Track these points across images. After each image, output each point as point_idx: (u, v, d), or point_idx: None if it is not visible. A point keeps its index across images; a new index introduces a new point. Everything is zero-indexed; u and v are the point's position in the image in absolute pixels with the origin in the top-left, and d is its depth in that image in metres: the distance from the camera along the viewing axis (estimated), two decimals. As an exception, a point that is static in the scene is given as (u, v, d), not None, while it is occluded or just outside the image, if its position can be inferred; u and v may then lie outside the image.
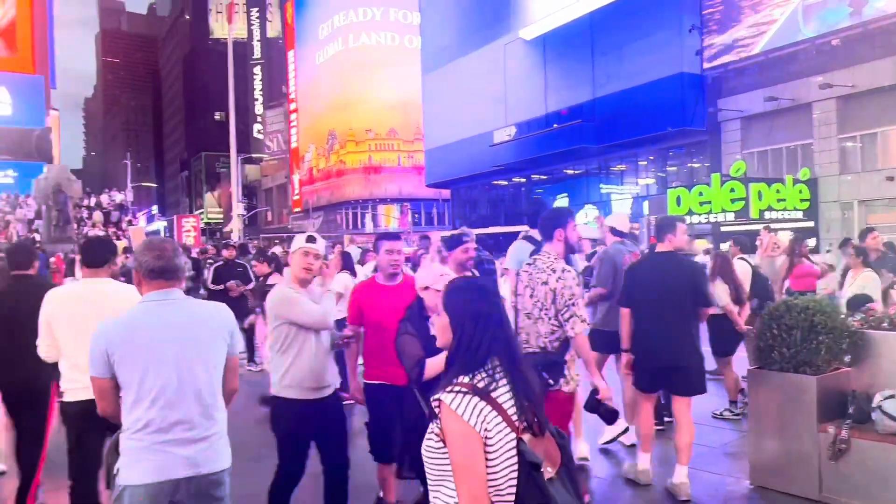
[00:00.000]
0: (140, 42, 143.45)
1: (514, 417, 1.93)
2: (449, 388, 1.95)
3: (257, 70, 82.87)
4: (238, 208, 37.68)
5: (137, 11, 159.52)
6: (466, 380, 1.95)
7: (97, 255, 3.63)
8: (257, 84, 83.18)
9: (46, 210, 22.80)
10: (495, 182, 36.84)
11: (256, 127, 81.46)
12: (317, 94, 57.50)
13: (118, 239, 24.60)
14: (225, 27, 58.51)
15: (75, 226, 24.37)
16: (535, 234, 5.10)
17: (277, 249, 16.42)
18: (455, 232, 5.09)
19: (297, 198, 61.40)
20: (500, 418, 1.90)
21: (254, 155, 73.20)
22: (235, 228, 32.52)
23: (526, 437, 1.94)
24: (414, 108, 44.03)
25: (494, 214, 35.85)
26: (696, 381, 4.65)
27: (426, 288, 3.51)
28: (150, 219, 44.11)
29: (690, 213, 19.17)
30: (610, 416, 3.93)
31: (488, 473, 1.88)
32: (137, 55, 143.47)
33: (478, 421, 1.88)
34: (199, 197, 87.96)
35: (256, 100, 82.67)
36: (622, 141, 26.00)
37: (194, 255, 16.00)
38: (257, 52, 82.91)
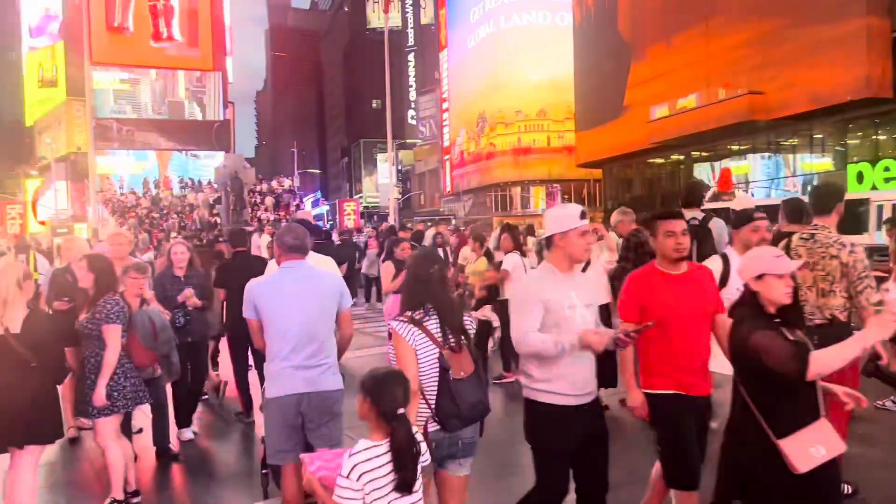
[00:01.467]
0: (304, 36, 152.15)
1: (439, 338, 2.99)
2: (397, 318, 3.06)
3: (411, 57, 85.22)
4: (393, 192, 39.09)
5: (301, 7, 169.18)
6: (409, 314, 3.04)
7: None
8: (411, 71, 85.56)
9: (225, 195, 24.94)
10: (651, 161, 35.37)
11: (410, 113, 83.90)
12: (468, 78, 58.09)
13: (282, 222, 26.46)
14: (381, 17, 60.53)
15: (250, 210, 26.47)
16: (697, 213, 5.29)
17: (430, 232, 16.89)
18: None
19: (450, 193, 62.58)
20: (426, 338, 2.98)
21: (408, 140, 75.55)
22: (391, 211, 33.84)
23: (447, 352, 2.96)
24: (565, 87, 43.19)
25: (650, 194, 34.47)
26: None
27: (761, 276, 2.75)
28: (315, 203, 46.95)
29: (874, 189, 17.34)
30: (891, 381, 4.23)
31: (420, 372, 2.93)
32: (302, 49, 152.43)
33: (411, 339, 2.97)
34: (358, 182, 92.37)
35: (410, 86, 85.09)
36: (795, 113, 23.91)
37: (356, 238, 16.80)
38: (411, 40, 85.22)
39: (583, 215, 3.22)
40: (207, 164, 40.33)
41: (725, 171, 27.62)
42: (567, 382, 3.14)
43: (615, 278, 6.09)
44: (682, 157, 33.17)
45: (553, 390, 3.14)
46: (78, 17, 37.01)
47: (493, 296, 7.40)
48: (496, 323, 7.59)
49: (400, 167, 70.23)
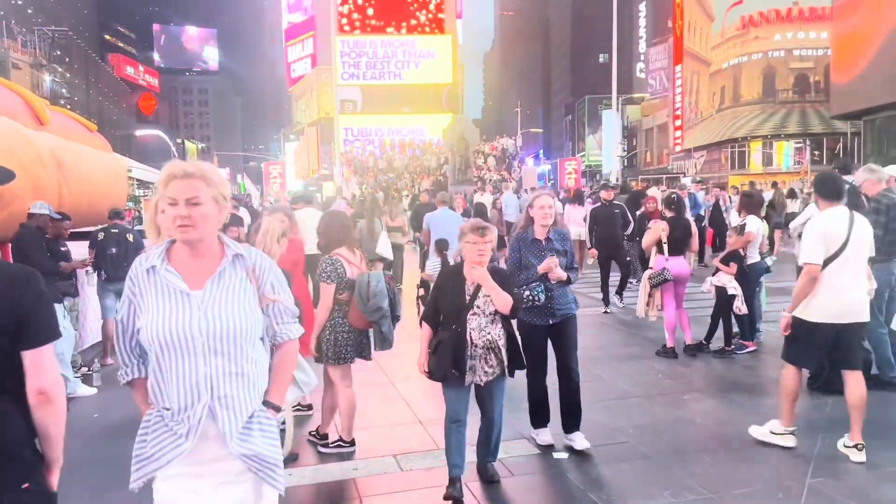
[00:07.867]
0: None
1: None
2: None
3: (642, 7, 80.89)
4: (617, 150, 37.90)
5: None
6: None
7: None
8: (642, 21, 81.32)
9: (452, 156, 26.08)
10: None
11: (639, 66, 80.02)
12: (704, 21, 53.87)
13: (505, 181, 27.09)
14: (610, -34, 58.03)
15: (474, 169, 27.42)
16: None
17: (653, 190, 16.29)
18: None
19: (678, 136, 58.97)
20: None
21: (635, 95, 72.38)
22: (613, 170, 32.92)
23: None
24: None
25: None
26: None
27: None
28: (536, 162, 47.21)
29: None
30: None
31: None
32: (529, 4, 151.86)
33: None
34: (580, 140, 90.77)
35: (640, 38, 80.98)
36: None
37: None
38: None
39: None
40: (437, 126, 42.24)
41: None
42: None
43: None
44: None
45: None
46: (326, -9, 40.51)
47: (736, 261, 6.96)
48: (734, 291, 6.86)
49: (626, 123, 67.61)
